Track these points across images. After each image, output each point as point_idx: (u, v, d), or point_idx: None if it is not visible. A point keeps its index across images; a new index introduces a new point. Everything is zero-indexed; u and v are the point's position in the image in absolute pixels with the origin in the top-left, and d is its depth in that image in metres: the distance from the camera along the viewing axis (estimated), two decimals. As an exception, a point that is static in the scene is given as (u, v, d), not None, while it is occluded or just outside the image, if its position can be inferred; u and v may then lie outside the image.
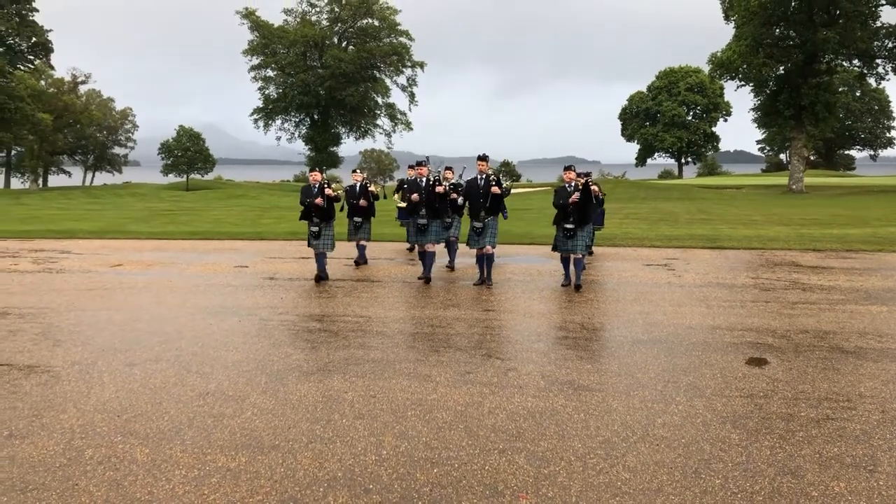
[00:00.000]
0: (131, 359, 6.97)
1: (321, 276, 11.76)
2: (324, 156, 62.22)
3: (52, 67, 67.96)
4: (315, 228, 11.65)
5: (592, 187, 10.59)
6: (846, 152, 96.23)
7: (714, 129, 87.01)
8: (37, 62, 64.30)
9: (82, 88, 75.87)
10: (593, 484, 4.16)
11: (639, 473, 4.29)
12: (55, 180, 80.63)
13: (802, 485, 4.12)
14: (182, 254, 15.70)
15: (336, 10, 62.25)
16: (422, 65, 63.63)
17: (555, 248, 10.96)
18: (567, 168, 10.96)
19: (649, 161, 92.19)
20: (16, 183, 76.68)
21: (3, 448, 4.77)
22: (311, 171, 12.03)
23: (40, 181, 77.33)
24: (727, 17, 44.78)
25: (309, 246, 11.92)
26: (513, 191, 48.30)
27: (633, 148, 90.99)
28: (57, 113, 65.87)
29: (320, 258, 11.83)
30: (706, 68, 52.13)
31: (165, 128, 75.23)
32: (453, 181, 12.34)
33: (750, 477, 4.22)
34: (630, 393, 5.80)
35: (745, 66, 44.30)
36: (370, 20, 62.43)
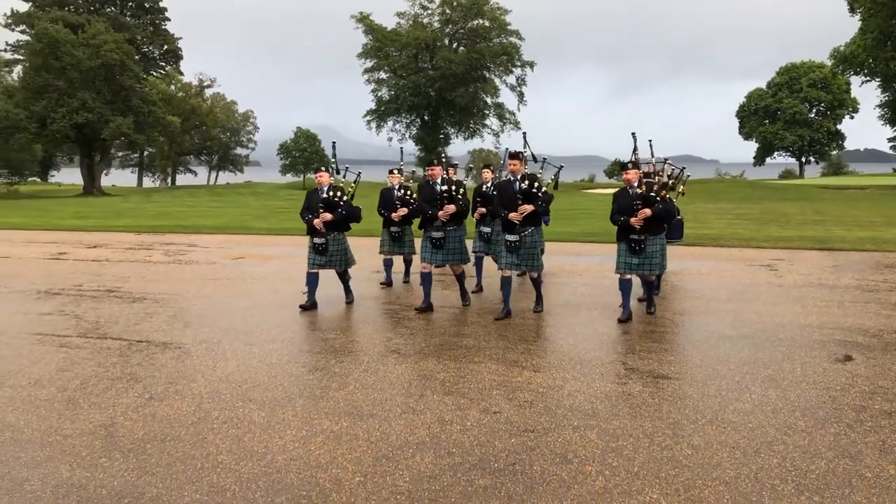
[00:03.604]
0: (251, 339, 7.78)
1: (311, 303, 9.36)
2: (433, 156, 63.50)
3: (181, 73, 72.27)
4: (320, 240, 9.29)
5: (663, 193, 8.42)
6: None
7: (839, 126, 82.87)
8: (167, 68, 68.63)
9: (208, 92, 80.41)
10: (656, 457, 4.53)
11: (701, 451, 4.63)
12: (182, 179, 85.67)
13: (858, 467, 4.36)
14: (298, 248, 16.71)
15: (448, 11, 63.28)
16: (531, 64, 63.82)
17: (617, 269, 8.65)
18: (625, 166, 8.63)
19: (768, 160, 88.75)
20: (147, 182, 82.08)
21: (146, 407, 5.59)
22: (317, 171, 9.52)
23: (169, 180, 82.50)
24: (852, 10, 42.75)
25: (309, 265, 9.42)
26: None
27: (752, 147, 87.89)
28: (185, 115, 70.13)
29: (341, 277, 9.69)
30: (829, 63, 50.01)
31: (284, 130, 78.70)
32: (487, 184, 10.44)
33: (808, 458, 4.49)
34: (707, 382, 6.09)
35: (871, 61, 42.28)
36: (481, 21, 63.08)
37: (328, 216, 9.19)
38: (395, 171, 11.07)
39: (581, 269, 12.92)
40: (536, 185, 8.52)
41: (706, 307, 9.35)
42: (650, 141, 9.06)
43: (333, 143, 11.21)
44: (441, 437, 4.91)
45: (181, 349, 7.39)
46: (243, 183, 75.05)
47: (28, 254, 15.88)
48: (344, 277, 9.76)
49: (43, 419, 5.33)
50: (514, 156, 8.69)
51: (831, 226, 21.10)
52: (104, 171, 65.76)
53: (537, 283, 9.13)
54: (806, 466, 4.37)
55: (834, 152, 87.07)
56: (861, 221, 22.75)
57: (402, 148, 11.53)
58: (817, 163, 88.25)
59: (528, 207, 8.42)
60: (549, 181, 9.17)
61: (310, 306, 9.33)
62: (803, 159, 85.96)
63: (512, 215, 8.46)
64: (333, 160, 10.41)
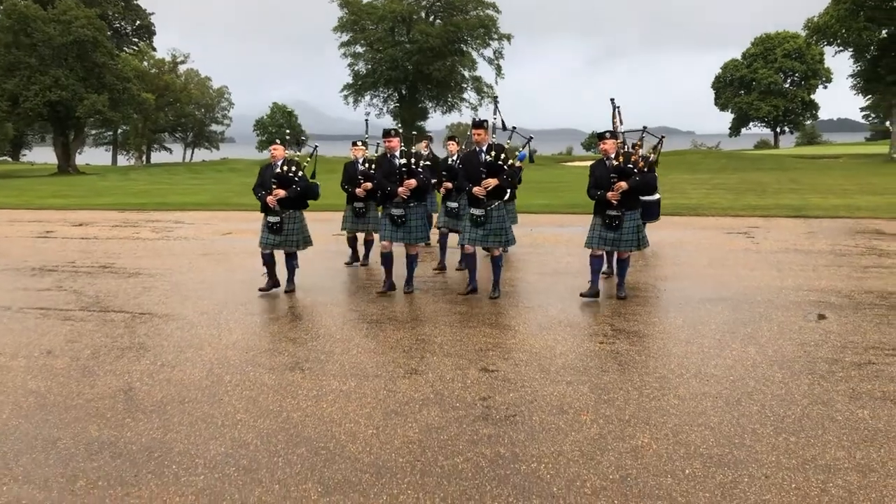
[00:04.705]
0: (251, 310, 8.05)
1: (285, 282, 8.93)
2: (411, 130, 63.45)
3: (154, 49, 71.32)
4: (274, 219, 8.64)
5: (640, 164, 7.96)
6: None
7: (813, 96, 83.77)
8: (140, 44, 67.70)
9: (181, 68, 79.41)
10: (646, 407, 4.90)
11: (686, 401, 5.00)
12: (157, 157, 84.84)
13: (830, 411, 4.75)
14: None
15: (424, -16, 62.90)
16: (508, 37, 63.66)
17: (589, 244, 8.27)
18: (602, 136, 8.14)
19: (744, 131, 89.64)
20: (121, 160, 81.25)
21: (160, 373, 5.86)
22: (272, 143, 8.87)
23: (144, 158, 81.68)
24: (825, -20, 43.22)
25: (261, 244, 8.81)
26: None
27: (727, 118, 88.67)
28: (158, 92, 69.22)
29: (289, 260, 8.89)
30: (804, 33, 50.47)
31: (259, 105, 78.22)
32: (453, 157, 10.19)
33: (785, 405, 4.87)
34: (690, 341, 6.47)
35: (844, 31, 42.75)
36: (457, -7, 62.77)
37: (281, 192, 8.54)
38: (359, 144, 10.56)
39: (564, 239, 13.27)
40: (503, 157, 7.98)
41: (687, 273, 9.73)
42: (618, 108, 9.17)
43: (295, 115, 11.14)
44: (444, 393, 5.24)
45: (184, 320, 7.63)
46: (220, 160, 74.45)
47: (14, 233, 15.93)
48: (291, 263, 8.95)
49: (62, 385, 5.59)
50: (479, 125, 8.12)
51: (806, 194, 21.63)
52: (78, 150, 65.04)
53: (497, 266, 8.43)
54: (783, 412, 4.75)
55: (808, 122, 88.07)
56: (835, 189, 23.32)
57: (366, 120, 11.10)
58: (792, 133, 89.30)
59: (492, 181, 7.90)
60: (525, 148, 8.84)
61: (270, 287, 8.86)
62: (778, 129, 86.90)
63: (475, 190, 7.95)
64: (289, 134, 9.97)
